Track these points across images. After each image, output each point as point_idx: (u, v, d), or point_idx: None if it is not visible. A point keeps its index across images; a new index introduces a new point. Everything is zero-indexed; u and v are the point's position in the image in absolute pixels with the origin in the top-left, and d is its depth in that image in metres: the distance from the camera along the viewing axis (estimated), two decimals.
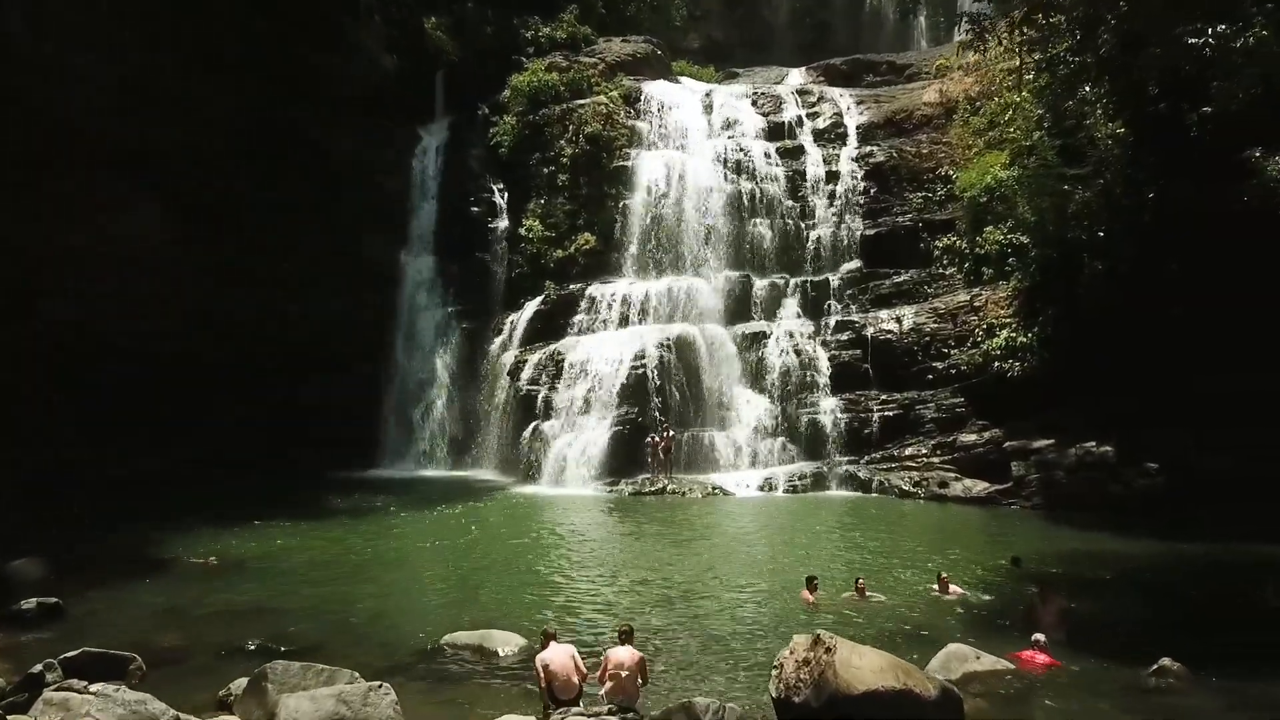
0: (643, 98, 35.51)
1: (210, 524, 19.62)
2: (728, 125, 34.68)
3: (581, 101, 34.95)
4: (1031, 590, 12.97)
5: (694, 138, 34.26)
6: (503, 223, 35.15)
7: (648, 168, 33.24)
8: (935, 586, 14.09)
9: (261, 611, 12.61)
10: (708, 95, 36.29)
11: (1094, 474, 23.77)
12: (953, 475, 26.49)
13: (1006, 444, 25.81)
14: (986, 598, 14.01)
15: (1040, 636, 10.43)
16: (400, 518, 21.31)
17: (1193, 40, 21.58)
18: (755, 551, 17.92)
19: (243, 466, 27.03)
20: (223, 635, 11.37)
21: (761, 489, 26.71)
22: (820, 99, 36.16)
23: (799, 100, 36.10)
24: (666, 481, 26.75)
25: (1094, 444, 24.10)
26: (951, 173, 31.89)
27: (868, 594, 13.62)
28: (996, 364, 26.94)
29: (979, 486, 25.70)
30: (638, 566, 16.00)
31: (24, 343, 26.48)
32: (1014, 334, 26.99)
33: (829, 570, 15.72)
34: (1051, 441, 24.88)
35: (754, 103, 35.73)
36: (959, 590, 14.00)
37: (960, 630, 11.89)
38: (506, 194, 35.51)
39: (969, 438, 26.95)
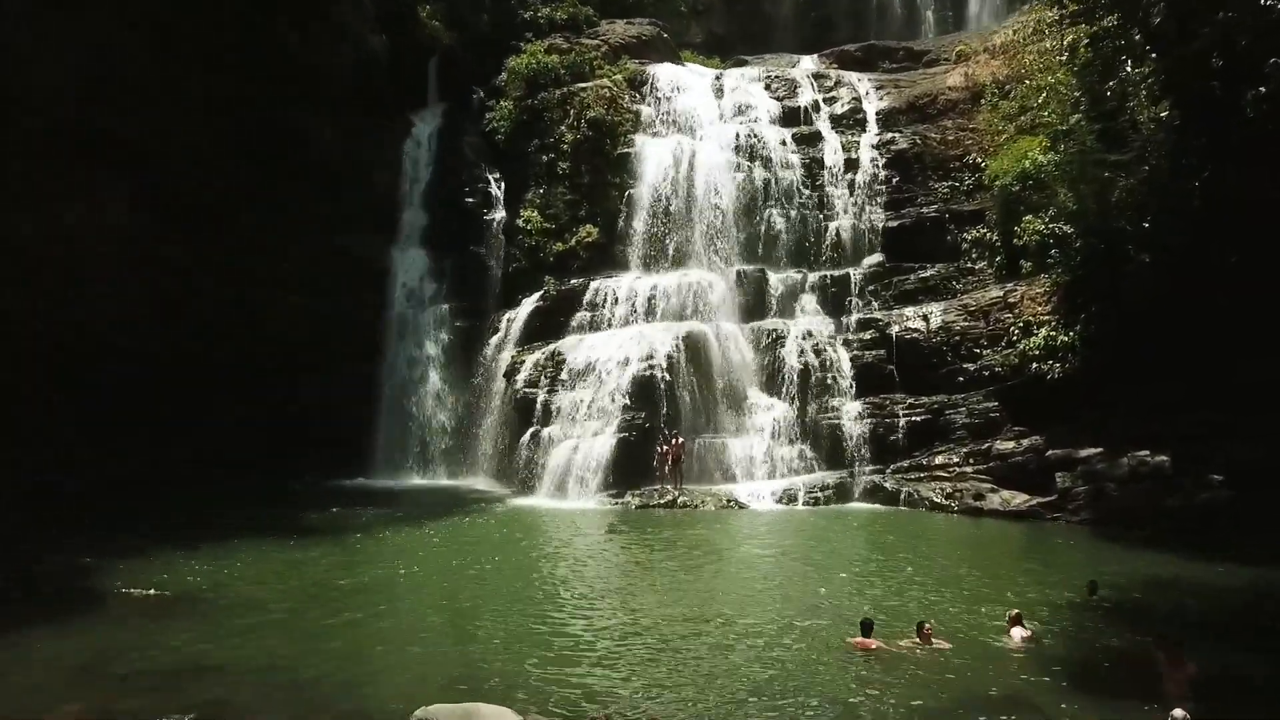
0: (649, 81, 33.33)
1: (168, 543, 17.43)
2: (740, 110, 32.49)
3: (583, 85, 32.79)
4: (1147, 642, 10.65)
5: (704, 123, 32.09)
6: (499, 214, 33.12)
7: (654, 154, 31.10)
8: (1009, 631, 11.79)
9: (198, 668, 10.27)
10: (718, 78, 34.13)
11: (1148, 485, 21.67)
12: (988, 486, 24.37)
13: (1049, 452, 23.66)
14: (1068, 642, 11.76)
15: (1183, 713, 8.15)
16: (382, 538, 19.00)
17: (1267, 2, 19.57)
18: (786, 581, 15.53)
19: (241, 467, 26.56)
20: (141, 705, 9.06)
21: (780, 501, 24.55)
22: (837, 83, 34.01)
23: (815, 84, 33.95)
24: (677, 493, 24.56)
25: (1148, 453, 21.98)
26: (980, 160, 29.82)
27: (934, 640, 11.36)
28: (1034, 365, 24.85)
29: (1018, 499, 23.57)
30: (654, 606, 13.54)
31: (24, 343, 25.85)
32: (1054, 332, 24.89)
33: (870, 601, 13.57)
34: (1100, 450, 22.77)
35: (767, 86, 33.55)
36: (1027, 633, 11.71)
37: (1059, 693, 9.66)
38: (503, 184, 33.52)
39: (1005, 445, 24.80)
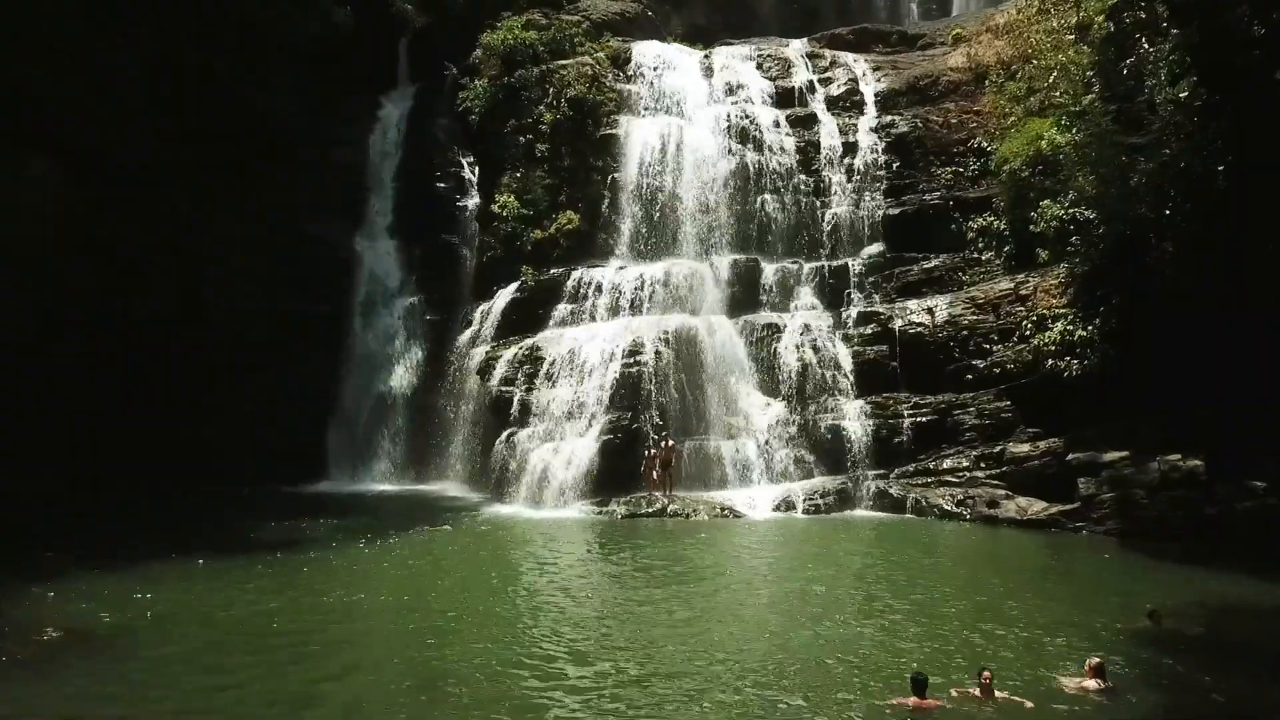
0: (633, 59, 31.24)
1: (89, 565, 15.20)
2: (730, 90, 30.41)
3: (563, 62, 30.68)
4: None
5: (692, 103, 30.03)
6: (473, 200, 31.14)
7: (640, 136, 29.04)
8: (1086, 681, 9.81)
9: None
10: (706, 57, 32.09)
11: (1182, 493, 19.94)
12: (1003, 493, 22.56)
13: (1070, 456, 21.86)
14: (1154, 690, 9.82)
15: None
16: (340, 556, 16.78)
17: None
18: (800, 611, 13.33)
19: (212, 471, 25.50)
20: None
21: (777, 509, 22.63)
22: (833, 63, 32.08)
23: (809, 64, 32.02)
24: (667, 501, 22.56)
25: (1179, 457, 20.24)
26: (986, 144, 28.01)
27: (996, 693, 9.37)
28: (1050, 362, 23.04)
29: (1036, 507, 21.78)
30: (652, 651, 11.33)
31: None
32: (1070, 326, 23.08)
33: (904, 638, 11.62)
34: (1126, 454, 21.01)
35: (759, 65, 31.55)
36: (1109, 685, 9.75)
37: None
38: (477, 168, 31.57)
39: (1020, 448, 23.00)
